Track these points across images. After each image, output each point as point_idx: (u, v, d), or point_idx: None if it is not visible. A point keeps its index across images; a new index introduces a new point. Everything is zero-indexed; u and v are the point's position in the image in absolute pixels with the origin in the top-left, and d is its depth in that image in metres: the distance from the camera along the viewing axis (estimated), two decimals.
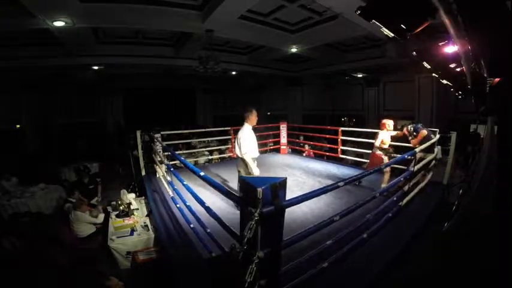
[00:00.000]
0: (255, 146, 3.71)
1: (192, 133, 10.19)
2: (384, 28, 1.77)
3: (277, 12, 6.27)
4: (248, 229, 1.40)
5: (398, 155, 4.33)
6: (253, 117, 3.68)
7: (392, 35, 1.79)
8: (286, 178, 1.62)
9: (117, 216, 4.66)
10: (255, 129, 3.82)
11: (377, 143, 4.47)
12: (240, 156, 3.64)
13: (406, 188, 3.52)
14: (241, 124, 3.76)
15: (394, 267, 2.61)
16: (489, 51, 1.72)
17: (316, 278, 2.16)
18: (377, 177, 4.64)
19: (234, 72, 11.66)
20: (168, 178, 4.15)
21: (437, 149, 4.35)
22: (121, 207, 4.76)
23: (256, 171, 3.55)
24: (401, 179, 3.39)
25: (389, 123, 4.48)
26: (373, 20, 1.75)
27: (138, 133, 5.61)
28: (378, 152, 4.48)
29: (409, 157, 3.51)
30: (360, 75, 11.09)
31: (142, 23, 5.98)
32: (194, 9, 5.78)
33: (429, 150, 4.05)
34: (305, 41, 7.75)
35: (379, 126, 4.58)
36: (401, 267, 2.70)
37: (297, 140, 8.49)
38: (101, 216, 4.80)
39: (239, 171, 3.77)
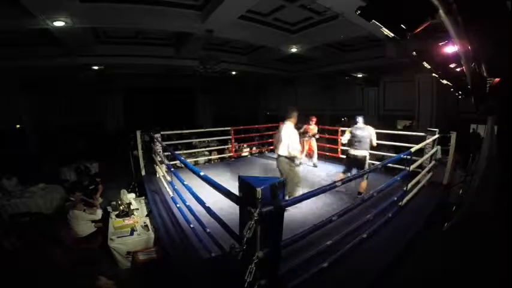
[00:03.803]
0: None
1: (192, 133, 10.18)
2: (384, 28, 1.77)
3: (277, 12, 6.25)
4: (248, 229, 1.40)
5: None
6: (295, 117, 3.80)
7: (392, 35, 1.79)
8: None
9: (117, 216, 4.65)
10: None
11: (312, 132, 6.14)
12: (283, 154, 3.68)
13: (405, 187, 3.52)
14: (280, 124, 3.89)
15: (394, 267, 2.61)
16: (489, 51, 1.72)
17: (316, 278, 2.16)
18: (376, 177, 4.68)
19: (234, 72, 11.64)
20: (168, 178, 4.15)
21: (436, 149, 4.34)
22: (121, 207, 4.76)
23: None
24: (398, 178, 3.39)
25: (313, 119, 6.27)
26: (373, 20, 1.75)
27: (138, 133, 5.61)
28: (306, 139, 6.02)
29: (405, 157, 3.50)
30: (359, 75, 11.07)
31: (142, 23, 5.97)
32: (194, 9, 5.77)
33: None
34: (305, 41, 7.74)
35: (308, 120, 6.21)
36: (401, 267, 2.70)
37: None
38: (99, 212, 4.80)
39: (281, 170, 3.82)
